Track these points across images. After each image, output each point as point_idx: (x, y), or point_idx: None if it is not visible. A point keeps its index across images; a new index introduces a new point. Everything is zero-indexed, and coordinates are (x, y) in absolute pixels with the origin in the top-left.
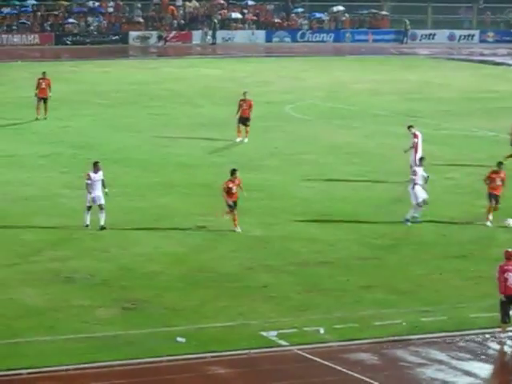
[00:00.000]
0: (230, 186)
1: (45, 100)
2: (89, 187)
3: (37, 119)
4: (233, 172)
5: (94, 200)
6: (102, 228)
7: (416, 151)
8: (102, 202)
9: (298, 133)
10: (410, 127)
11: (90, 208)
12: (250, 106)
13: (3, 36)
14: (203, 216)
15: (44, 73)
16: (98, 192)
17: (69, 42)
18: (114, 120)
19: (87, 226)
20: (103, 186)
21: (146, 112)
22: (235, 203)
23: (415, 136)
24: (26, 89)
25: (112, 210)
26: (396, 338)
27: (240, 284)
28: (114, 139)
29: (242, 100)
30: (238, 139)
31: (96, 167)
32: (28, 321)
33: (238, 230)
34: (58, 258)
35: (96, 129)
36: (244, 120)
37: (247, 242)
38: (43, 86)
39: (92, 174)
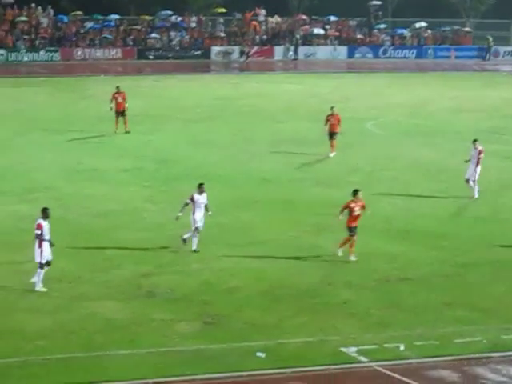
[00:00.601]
0: (352, 205)
1: (123, 113)
2: (192, 207)
3: (116, 132)
4: (355, 192)
5: (194, 221)
6: (195, 251)
7: (477, 165)
8: (200, 225)
9: (379, 149)
10: (475, 141)
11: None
12: (339, 121)
13: (86, 50)
14: (284, 232)
15: (118, 87)
16: (200, 214)
17: (151, 57)
18: (195, 135)
19: (195, 250)
20: (206, 209)
21: (228, 127)
22: (355, 228)
23: (480, 152)
24: (108, 103)
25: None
26: (476, 355)
27: (320, 300)
28: (196, 154)
29: (329, 115)
30: (331, 154)
31: (200, 189)
32: (109, 334)
33: (353, 258)
34: (139, 272)
35: (178, 144)
36: (332, 135)
37: (328, 258)
38: (120, 100)
39: (196, 196)
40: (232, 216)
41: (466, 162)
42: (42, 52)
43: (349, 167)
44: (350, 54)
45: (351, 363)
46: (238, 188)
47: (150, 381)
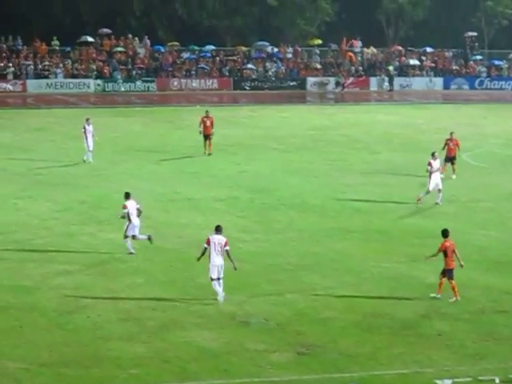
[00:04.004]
0: (448, 245)
1: (209, 137)
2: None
3: (204, 154)
4: (445, 233)
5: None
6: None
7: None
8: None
9: (475, 180)
10: (433, 153)
11: None
12: (457, 145)
13: (182, 81)
14: (379, 262)
15: (207, 111)
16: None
17: (247, 87)
18: (290, 165)
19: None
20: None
21: (323, 157)
22: (451, 271)
23: (429, 164)
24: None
25: (288, 255)
26: None
27: (415, 331)
28: (291, 184)
29: (448, 139)
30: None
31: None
32: (203, 363)
33: (453, 299)
34: (233, 301)
35: (273, 173)
36: (451, 158)
37: (422, 288)
38: (208, 123)
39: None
40: (326, 246)
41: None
42: (138, 82)
43: (444, 198)
44: (446, 85)
45: None
46: (333, 218)
47: None
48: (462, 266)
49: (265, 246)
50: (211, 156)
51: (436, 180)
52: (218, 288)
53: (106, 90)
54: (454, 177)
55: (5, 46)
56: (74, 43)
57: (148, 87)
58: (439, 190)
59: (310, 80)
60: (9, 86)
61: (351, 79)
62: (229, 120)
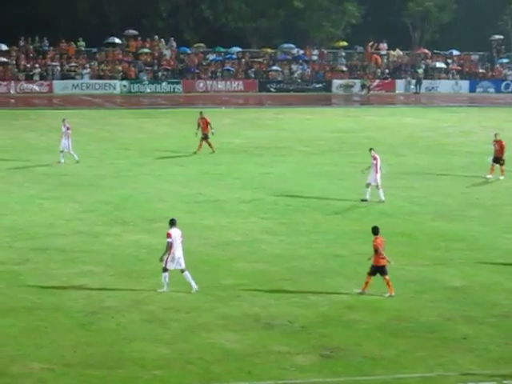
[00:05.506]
0: (379, 242)
1: (206, 137)
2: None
3: (195, 153)
4: (375, 230)
5: None
6: None
7: (376, 171)
8: None
9: (499, 184)
10: (371, 149)
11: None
12: (501, 146)
13: (208, 82)
14: (403, 265)
15: (201, 112)
16: None
17: (272, 89)
18: (315, 167)
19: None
20: None
21: (348, 160)
22: (383, 268)
23: (374, 158)
24: (229, 135)
25: (312, 257)
26: None
27: (439, 335)
28: (316, 186)
29: (494, 141)
30: (489, 176)
31: None
32: (226, 365)
33: (387, 294)
34: (257, 303)
35: (298, 176)
36: (497, 159)
37: (447, 292)
38: (201, 125)
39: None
40: (350, 248)
41: (365, 170)
42: (164, 83)
43: (469, 201)
44: (472, 89)
45: None
46: (357, 220)
47: None
48: (389, 262)
49: (289, 248)
50: (235, 158)
51: (371, 174)
52: (167, 280)
53: (132, 91)
54: (502, 178)
55: (31, 47)
56: (100, 44)
57: (174, 89)
58: (377, 187)
59: (336, 82)
60: (35, 87)
61: (377, 82)
62: (254, 122)
